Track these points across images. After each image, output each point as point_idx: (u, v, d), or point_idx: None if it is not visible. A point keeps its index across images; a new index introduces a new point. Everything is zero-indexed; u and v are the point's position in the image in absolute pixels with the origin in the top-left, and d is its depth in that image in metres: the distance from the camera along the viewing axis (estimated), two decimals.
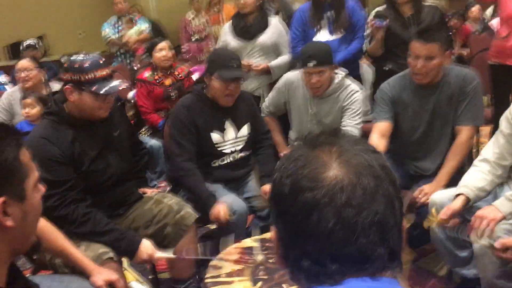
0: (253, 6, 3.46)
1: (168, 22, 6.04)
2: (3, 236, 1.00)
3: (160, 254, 2.04)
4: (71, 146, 1.98)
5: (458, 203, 2.03)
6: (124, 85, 2.14)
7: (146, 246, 2.00)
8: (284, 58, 3.50)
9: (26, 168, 1.03)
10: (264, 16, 3.52)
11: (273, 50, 3.52)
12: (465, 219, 2.08)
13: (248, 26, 3.50)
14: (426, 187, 2.36)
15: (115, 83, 2.04)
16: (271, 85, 3.39)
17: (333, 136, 0.77)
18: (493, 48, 3.36)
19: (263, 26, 3.49)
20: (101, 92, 1.98)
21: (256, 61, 3.49)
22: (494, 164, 2.10)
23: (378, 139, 2.48)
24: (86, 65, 1.97)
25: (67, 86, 2.00)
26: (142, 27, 5.77)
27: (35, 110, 3.17)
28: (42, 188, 1.10)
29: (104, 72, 2.02)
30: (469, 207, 2.06)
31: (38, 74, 3.42)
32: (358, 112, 2.77)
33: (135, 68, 5.45)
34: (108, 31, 5.71)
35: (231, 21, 3.64)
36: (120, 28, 5.73)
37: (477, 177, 2.09)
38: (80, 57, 2.01)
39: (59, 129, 1.99)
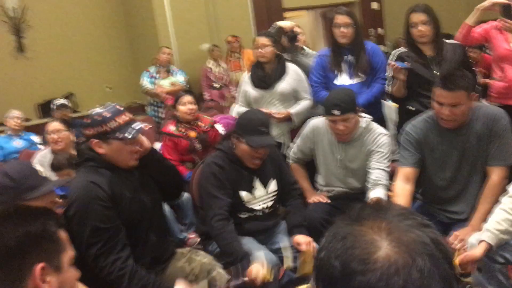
0: (271, 55, 3.47)
1: (189, 71, 6.17)
2: None
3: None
4: (112, 188, 2.00)
5: (478, 251, 1.93)
6: (147, 126, 2.16)
7: (180, 283, 2.01)
8: (305, 104, 3.48)
9: (63, 243, 1.15)
10: (282, 64, 3.50)
11: (293, 97, 3.50)
12: (507, 260, 2.01)
13: (266, 76, 3.49)
14: (460, 232, 2.29)
15: (138, 124, 2.07)
16: (293, 131, 3.38)
17: (379, 210, 0.74)
18: (492, 90, 3.27)
19: (281, 73, 3.47)
20: (129, 136, 2.00)
21: (276, 109, 3.47)
22: None
23: (403, 184, 2.45)
24: (107, 115, 2.01)
25: (92, 141, 2.02)
26: (179, 79, 5.77)
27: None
28: (77, 273, 1.17)
29: (127, 117, 2.06)
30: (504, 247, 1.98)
31: (68, 135, 3.44)
32: (386, 155, 2.75)
33: (162, 116, 5.54)
34: (145, 81, 5.74)
35: (249, 71, 3.63)
36: (157, 78, 5.75)
37: (500, 218, 1.98)
38: (99, 109, 2.04)
39: (100, 172, 2.02)
